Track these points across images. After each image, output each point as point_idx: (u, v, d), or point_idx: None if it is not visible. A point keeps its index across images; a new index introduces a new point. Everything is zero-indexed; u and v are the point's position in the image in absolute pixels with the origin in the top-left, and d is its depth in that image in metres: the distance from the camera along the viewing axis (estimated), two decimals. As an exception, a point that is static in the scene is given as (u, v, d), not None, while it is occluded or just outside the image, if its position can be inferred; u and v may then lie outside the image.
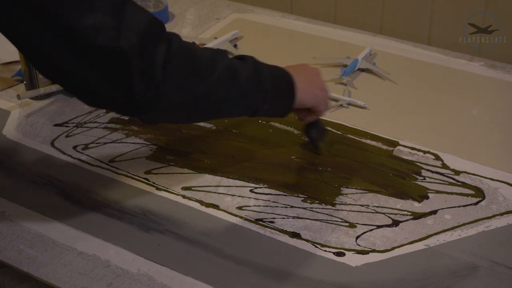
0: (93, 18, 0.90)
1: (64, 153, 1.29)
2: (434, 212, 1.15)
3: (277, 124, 1.36)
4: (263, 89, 1.07)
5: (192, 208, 1.17)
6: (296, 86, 1.11)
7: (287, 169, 1.25)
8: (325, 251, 1.08)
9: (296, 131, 1.34)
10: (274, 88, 1.08)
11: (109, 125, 1.36)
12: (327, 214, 1.15)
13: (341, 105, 1.40)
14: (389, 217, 1.14)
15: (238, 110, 1.09)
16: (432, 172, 1.23)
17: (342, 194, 1.19)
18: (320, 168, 1.24)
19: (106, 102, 0.97)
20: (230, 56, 1.08)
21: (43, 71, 0.98)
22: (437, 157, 1.27)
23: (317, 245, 1.09)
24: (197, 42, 1.58)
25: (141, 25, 0.93)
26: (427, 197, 1.18)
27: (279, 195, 1.19)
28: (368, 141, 1.31)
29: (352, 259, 1.07)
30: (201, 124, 1.36)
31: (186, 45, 1.00)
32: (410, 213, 1.15)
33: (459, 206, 1.16)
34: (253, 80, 1.06)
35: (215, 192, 1.20)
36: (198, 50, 1.01)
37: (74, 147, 1.31)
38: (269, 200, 1.18)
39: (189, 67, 0.98)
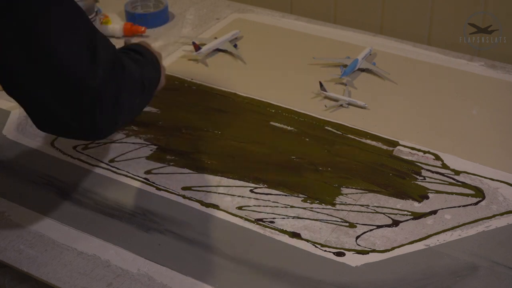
0: (71, 47, 0.93)
1: (64, 153, 1.29)
2: (434, 212, 1.15)
3: (277, 124, 1.36)
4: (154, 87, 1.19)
5: (192, 208, 1.17)
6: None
7: (287, 169, 1.25)
8: (325, 251, 1.08)
9: (296, 131, 1.34)
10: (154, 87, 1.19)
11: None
12: (327, 214, 1.15)
13: (341, 105, 1.40)
14: (389, 217, 1.14)
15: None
16: (432, 172, 1.23)
17: (342, 194, 1.19)
18: (320, 168, 1.24)
19: (63, 129, 1.01)
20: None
21: (4, 85, 0.98)
22: (437, 157, 1.27)
23: (317, 245, 1.09)
24: (197, 42, 1.58)
25: (107, 62, 0.97)
26: (427, 197, 1.18)
27: (279, 195, 1.19)
28: (368, 141, 1.31)
29: (352, 259, 1.07)
30: (201, 124, 1.36)
31: (130, 70, 1.06)
32: (410, 213, 1.15)
33: (459, 206, 1.16)
34: (153, 85, 1.18)
35: (215, 192, 1.20)
36: (133, 72, 1.07)
37: (74, 147, 1.31)
38: (269, 200, 1.18)
39: (134, 92, 1.07)
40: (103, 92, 0.96)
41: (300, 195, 1.19)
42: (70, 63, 0.93)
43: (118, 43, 1.63)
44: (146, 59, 1.15)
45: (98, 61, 0.95)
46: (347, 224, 1.13)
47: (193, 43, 1.57)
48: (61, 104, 0.95)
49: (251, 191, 1.20)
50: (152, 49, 1.23)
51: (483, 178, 1.21)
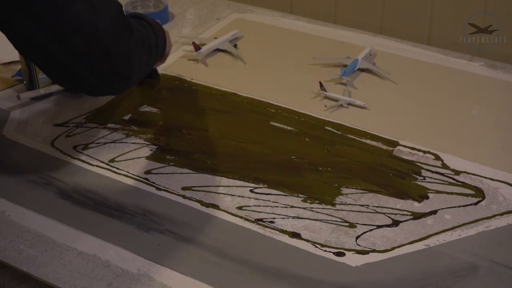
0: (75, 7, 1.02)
1: (64, 153, 1.29)
2: (434, 212, 1.15)
3: (277, 124, 1.36)
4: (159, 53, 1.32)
5: (192, 208, 1.17)
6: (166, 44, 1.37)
7: (287, 169, 1.25)
8: (325, 251, 1.08)
9: (296, 131, 1.34)
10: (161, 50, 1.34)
11: (109, 125, 1.36)
12: (327, 214, 1.15)
13: (341, 105, 1.40)
14: (389, 217, 1.14)
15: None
16: (432, 172, 1.23)
17: (342, 194, 1.19)
18: (320, 168, 1.24)
19: (86, 85, 1.11)
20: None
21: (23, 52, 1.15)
22: (437, 157, 1.27)
23: (317, 245, 1.09)
24: (197, 42, 1.58)
25: (117, 18, 1.08)
26: (427, 197, 1.18)
27: (279, 195, 1.19)
28: (368, 141, 1.31)
29: (352, 259, 1.07)
30: (201, 124, 1.36)
31: (138, 30, 1.16)
32: (410, 213, 1.15)
33: (459, 206, 1.16)
34: (160, 49, 1.32)
35: (215, 192, 1.20)
36: (141, 32, 1.17)
37: (74, 147, 1.31)
38: (269, 200, 1.18)
39: (143, 50, 1.17)
40: (116, 43, 1.07)
41: (300, 195, 1.19)
42: (83, 18, 1.02)
43: (118, 43, 1.63)
44: (151, 25, 1.25)
45: (106, 15, 1.05)
46: (347, 224, 1.13)
47: (193, 43, 1.57)
48: (77, 60, 1.05)
49: (251, 191, 1.20)
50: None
51: (483, 178, 1.21)
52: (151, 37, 1.22)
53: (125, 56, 1.09)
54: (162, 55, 1.35)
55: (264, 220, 1.14)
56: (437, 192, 1.19)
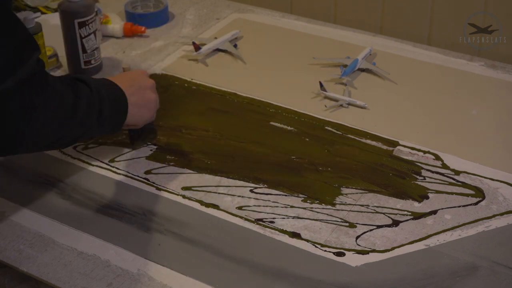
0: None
1: (64, 153, 1.29)
2: (434, 212, 1.15)
3: (277, 124, 1.36)
4: (104, 124, 1.10)
5: (192, 208, 1.17)
6: (128, 113, 1.15)
7: (287, 169, 1.25)
8: (325, 251, 1.08)
9: (296, 131, 1.34)
10: (112, 122, 1.12)
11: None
12: (327, 214, 1.15)
13: (341, 105, 1.40)
14: (389, 217, 1.14)
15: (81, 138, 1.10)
16: (432, 172, 1.23)
17: (342, 194, 1.19)
18: (320, 168, 1.24)
19: None
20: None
21: None
22: (437, 157, 1.27)
23: (317, 245, 1.09)
24: (197, 42, 1.58)
25: (26, 73, 0.95)
26: (427, 197, 1.18)
27: (279, 195, 1.19)
28: (368, 141, 1.31)
29: (352, 259, 1.07)
30: (201, 124, 1.36)
31: (56, 89, 1.01)
32: (410, 213, 1.15)
33: (459, 206, 1.16)
34: (98, 117, 1.09)
35: (215, 192, 1.20)
36: (61, 94, 1.02)
37: (74, 147, 1.30)
38: (269, 200, 1.18)
39: (57, 113, 1.01)
40: (11, 98, 0.94)
41: (300, 195, 1.19)
42: None
43: (118, 43, 1.64)
44: (93, 91, 1.08)
45: (15, 70, 0.93)
46: (347, 224, 1.13)
47: (193, 43, 1.57)
48: None
49: (251, 191, 1.20)
50: (132, 81, 1.19)
51: (483, 178, 1.21)
52: (82, 99, 1.04)
53: (22, 111, 0.96)
54: (115, 124, 1.14)
55: (264, 220, 1.14)
56: (437, 192, 1.19)
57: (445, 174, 1.23)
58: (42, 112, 0.98)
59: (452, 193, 1.19)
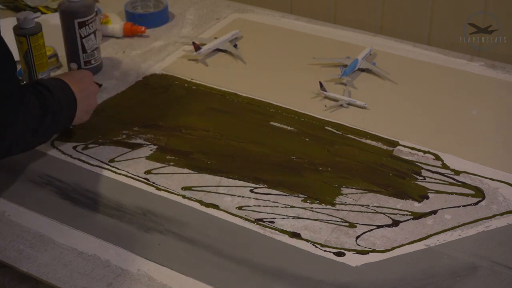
0: None
1: (64, 153, 1.29)
2: (434, 212, 1.15)
3: (277, 124, 1.36)
4: (56, 129, 1.20)
5: (192, 208, 1.17)
6: (74, 119, 1.25)
7: (287, 169, 1.25)
8: (325, 251, 1.08)
9: (296, 131, 1.34)
10: (61, 126, 1.22)
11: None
12: (327, 214, 1.15)
13: (341, 105, 1.40)
14: (389, 217, 1.14)
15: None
16: (432, 172, 1.23)
17: (342, 194, 1.19)
18: (320, 168, 1.24)
19: None
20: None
21: None
22: (437, 157, 1.27)
23: (317, 245, 1.09)
24: (197, 42, 1.58)
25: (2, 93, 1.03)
26: (427, 197, 1.18)
27: (279, 195, 1.19)
28: (368, 141, 1.31)
29: (352, 259, 1.07)
30: (201, 124, 1.36)
31: (29, 107, 1.09)
32: (410, 213, 1.15)
33: (459, 206, 1.16)
34: (56, 125, 1.18)
35: (215, 192, 1.20)
36: (32, 110, 1.11)
37: (74, 147, 1.31)
38: (269, 200, 1.18)
39: (26, 129, 1.11)
40: None
41: (300, 195, 1.19)
42: None
43: (118, 43, 1.64)
44: (54, 98, 1.16)
45: None
46: (347, 224, 1.13)
47: (193, 43, 1.57)
48: None
49: (251, 191, 1.20)
50: (75, 84, 1.24)
51: (483, 178, 1.21)
52: (48, 111, 1.14)
53: None
54: (67, 118, 1.22)
55: (264, 220, 1.14)
56: (437, 192, 1.19)
57: (445, 174, 1.23)
58: (15, 127, 1.07)
59: (452, 193, 1.19)
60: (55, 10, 1.69)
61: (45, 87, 1.15)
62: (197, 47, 1.56)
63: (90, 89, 1.28)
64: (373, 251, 1.08)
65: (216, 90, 1.46)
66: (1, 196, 1.20)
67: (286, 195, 1.19)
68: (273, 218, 1.15)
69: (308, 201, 1.18)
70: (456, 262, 1.06)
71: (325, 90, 1.43)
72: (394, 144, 1.30)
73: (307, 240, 1.10)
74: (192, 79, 1.50)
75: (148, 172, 1.25)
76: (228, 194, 1.19)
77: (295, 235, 1.11)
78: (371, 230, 1.12)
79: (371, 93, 1.44)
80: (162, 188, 1.21)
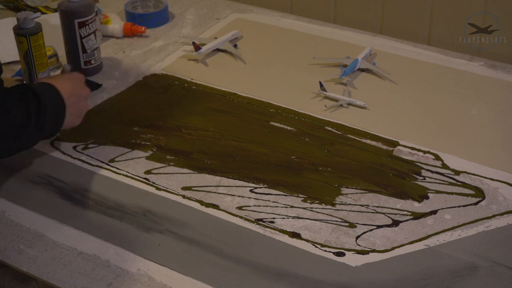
0: None
1: (64, 153, 1.29)
2: (434, 212, 1.15)
3: (277, 124, 1.36)
4: (40, 136, 1.15)
5: (192, 208, 1.17)
6: (64, 124, 1.19)
7: (287, 169, 1.25)
8: (325, 251, 1.08)
9: (296, 131, 1.34)
10: (47, 132, 1.16)
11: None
12: (327, 214, 1.15)
13: (341, 105, 1.40)
14: (389, 217, 1.14)
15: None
16: (432, 172, 1.23)
17: (342, 194, 1.19)
18: (320, 168, 1.24)
19: None
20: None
21: None
22: (437, 157, 1.27)
23: (317, 245, 1.09)
24: (197, 42, 1.58)
25: None
26: (427, 197, 1.18)
27: (279, 195, 1.19)
28: (368, 141, 1.31)
29: (352, 259, 1.07)
30: (201, 124, 1.36)
31: (9, 113, 1.06)
32: (410, 213, 1.15)
33: (459, 206, 1.16)
34: (39, 132, 1.13)
35: (215, 192, 1.20)
36: (16, 117, 1.08)
37: (74, 147, 1.31)
38: (269, 200, 1.18)
39: (5, 135, 1.07)
40: None
41: (300, 195, 1.19)
42: None
43: (118, 43, 1.64)
44: (41, 105, 1.12)
45: None
46: (347, 224, 1.13)
47: (193, 43, 1.57)
48: None
49: (251, 191, 1.20)
50: (68, 88, 1.20)
51: (483, 178, 1.21)
52: (31, 118, 1.10)
53: None
54: (55, 120, 1.17)
55: (264, 220, 1.14)
56: (437, 192, 1.19)
57: (445, 174, 1.23)
58: None
59: (452, 193, 1.19)
60: (55, 10, 1.69)
61: (33, 92, 1.11)
62: (197, 47, 1.56)
63: (81, 93, 1.22)
64: (373, 251, 1.08)
65: (216, 90, 1.46)
66: (1, 196, 1.20)
67: (286, 195, 1.19)
68: (273, 218, 1.15)
69: (308, 201, 1.18)
70: (456, 262, 1.06)
71: (325, 90, 1.43)
72: (394, 144, 1.30)
73: (307, 240, 1.10)
74: (192, 79, 1.50)
75: (148, 172, 1.25)
76: (228, 194, 1.19)
77: (295, 235, 1.11)
78: (371, 230, 1.12)
79: (371, 93, 1.44)
80: (162, 188, 1.21)
